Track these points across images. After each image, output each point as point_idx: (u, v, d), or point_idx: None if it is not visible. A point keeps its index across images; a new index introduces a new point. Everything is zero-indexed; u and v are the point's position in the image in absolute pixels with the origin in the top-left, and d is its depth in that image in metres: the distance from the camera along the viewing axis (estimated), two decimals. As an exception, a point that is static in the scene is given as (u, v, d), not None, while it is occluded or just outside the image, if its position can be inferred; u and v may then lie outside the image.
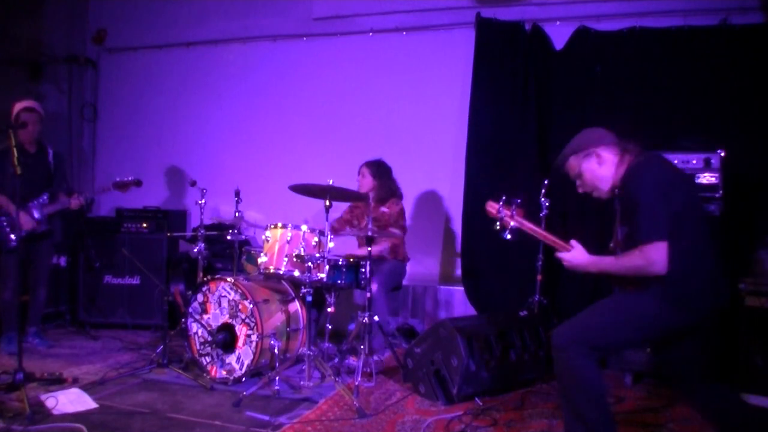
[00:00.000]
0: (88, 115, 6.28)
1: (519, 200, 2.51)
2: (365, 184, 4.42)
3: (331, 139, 5.42)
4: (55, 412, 2.94)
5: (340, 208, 4.66)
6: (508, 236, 2.52)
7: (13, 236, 3.98)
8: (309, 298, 3.51)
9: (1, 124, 3.23)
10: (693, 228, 2.27)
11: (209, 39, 5.81)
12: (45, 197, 4.21)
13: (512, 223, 2.50)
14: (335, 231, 4.42)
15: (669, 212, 2.21)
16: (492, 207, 2.53)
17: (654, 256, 2.17)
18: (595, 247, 4.60)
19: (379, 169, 4.45)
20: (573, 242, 2.43)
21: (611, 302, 2.44)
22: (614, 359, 3.78)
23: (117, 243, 5.02)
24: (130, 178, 4.28)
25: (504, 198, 2.51)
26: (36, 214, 4.14)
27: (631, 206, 2.28)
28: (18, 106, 4.19)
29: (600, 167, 2.46)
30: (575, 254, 2.41)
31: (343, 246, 4.66)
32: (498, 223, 2.52)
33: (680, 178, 2.41)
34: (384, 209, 4.42)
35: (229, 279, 3.67)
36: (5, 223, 3.96)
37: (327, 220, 3.56)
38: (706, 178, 3.63)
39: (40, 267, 4.35)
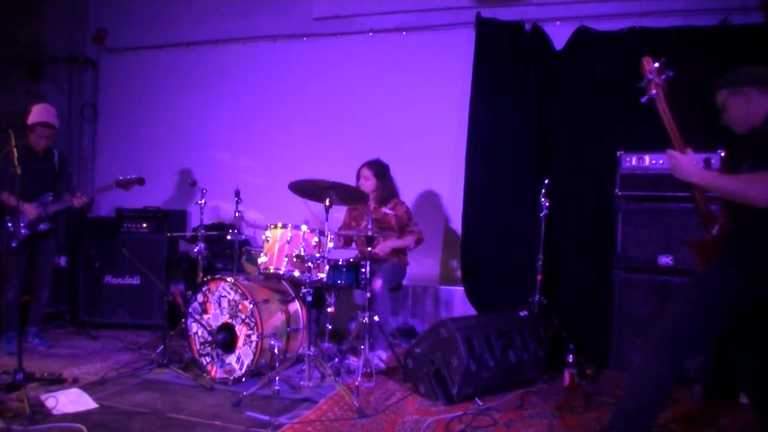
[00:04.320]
0: (88, 115, 6.29)
1: (671, 74, 2.45)
2: (368, 186, 4.37)
3: (331, 139, 5.41)
4: (55, 412, 2.94)
5: (340, 209, 4.66)
6: (644, 99, 2.47)
7: (22, 230, 4.01)
8: (309, 298, 3.50)
9: (1, 124, 3.23)
10: None
11: (209, 39, 5.81)
12: (49, 196, 4.23)
13: (653, 91, 2.44)
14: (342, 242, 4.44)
15: None
16: (648, 62, 2.47)
17: (763, 183, 2.14)
18: (593, 246, 4.61)
19: (380, 169, 4.42)
20: (689, 149, 2.38)
21: (693, 287, 2.41)
22: (614, 359, 3.78)
23: (117, 243, 5.02)
24: (132, 176, 4.29)
25: (663, 61, 2.44)
26: (40, 213, 4.15)
27: (764, 141, 2.26)
28: (36, 115, 4.14)
29: (745, 106, 2.43)
30: (686, 158, 2.34)
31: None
32: (644, 81, 2.47)
33: None
34: (386, 210, 4.41)
35: (229, 279, 3.67)
36: (10, 223, 3.97)
37: (327, 220, 3.56)
38: (707, 178, 3.62)
39: (43, 267, 4.35)
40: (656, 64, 2.43)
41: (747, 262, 2.25)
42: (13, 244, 3.88)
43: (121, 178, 4.26)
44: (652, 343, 2.35)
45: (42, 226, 4.19)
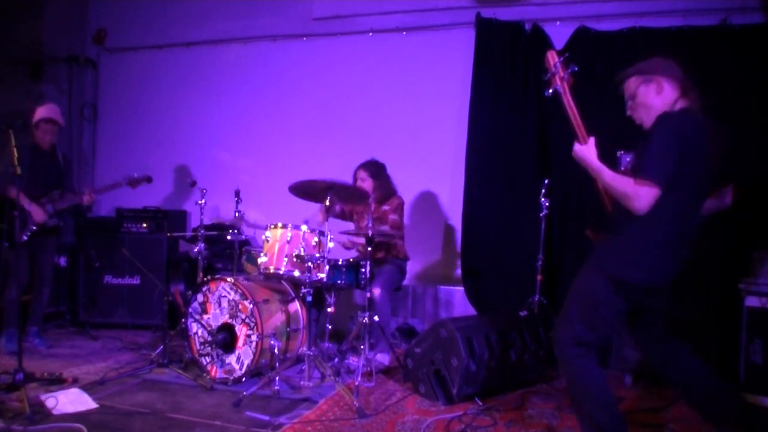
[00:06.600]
0: (88, 115, 6.29)
1: (576, 68, 2.44)
2: (365, 187, 4.36)
3: (331, 139, 5.42)
4: (55, 412, 2.94)
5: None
6: (548, 93, 2.47)
7: (30, 227, 4.05)
8: (309, 298, 3.51)
9: (1, 124, 3.23)
10: (684, 197, 2.29)
11: (209, 39, 5.81)
12: (56, 193, 4.25)
13: (557, 85, 2.44)
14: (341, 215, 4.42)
15: (674, 168, 2.20)
16: (552, 56, 2.46)
17: (643, 193, 2.18)
18: (591, 245, 4.59)
19: (376, 169, 4.41)
20: (592, 138, 2.41)
21: (575, 286, 2.45)
22: (614, 359, 3.79)
23: (117, 243, 5.03)
24: (141, 175, 4.35)
25: (567, 56, 2.44)
26: (48, 209, 4.17)
27: (650, 141, 2.26)
28: (41, 113, 4.21)
29: (656, 96, 2.40)
30: (587, 149, 2.39)
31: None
32: (548, 75, 2.46)
33: (705, 146, 2.30)
34: (386, 208, 4.41)
35: (229, 279, 3.67)
36: (17, 218, 3.98)
37: (327, 220, 3.56)
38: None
39: (44, 265, 4.35)
40: (561, 58, 2.43)
41: (624, 259, 2.30)
42: (24, 237, 3.91)
43: (129, 176, 4.30)
44: (560, 351, 2.37)
45: (50, 222, 4.20)
